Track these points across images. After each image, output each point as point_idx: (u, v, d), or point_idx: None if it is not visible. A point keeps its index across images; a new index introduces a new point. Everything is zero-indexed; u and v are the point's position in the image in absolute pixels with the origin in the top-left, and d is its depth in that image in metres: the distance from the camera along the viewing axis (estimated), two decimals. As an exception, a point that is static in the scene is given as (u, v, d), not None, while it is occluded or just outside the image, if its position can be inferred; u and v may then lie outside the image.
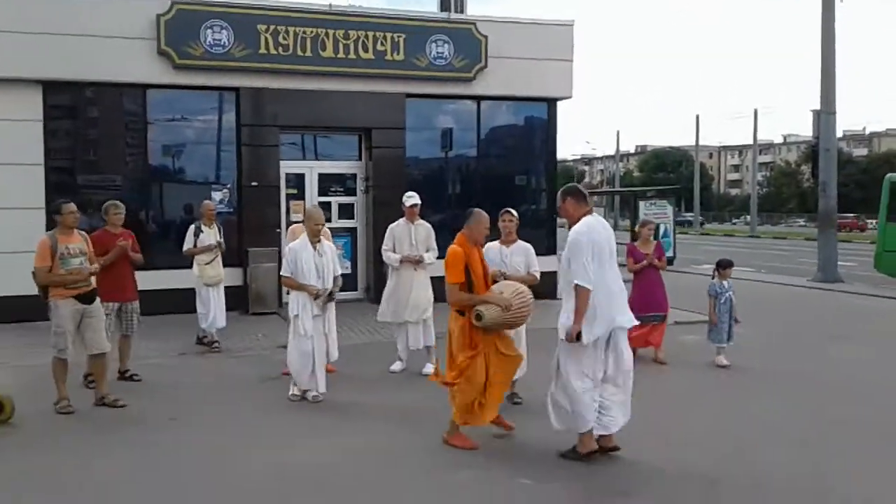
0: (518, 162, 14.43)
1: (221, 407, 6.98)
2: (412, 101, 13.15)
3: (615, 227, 28.60)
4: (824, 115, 18.62)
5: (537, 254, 7.23)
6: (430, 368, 8.17)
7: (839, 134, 67.49)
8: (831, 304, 14.69)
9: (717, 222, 74.99)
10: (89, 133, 12.30)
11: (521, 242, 7.08)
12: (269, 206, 12.53)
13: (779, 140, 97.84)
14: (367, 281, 13.30)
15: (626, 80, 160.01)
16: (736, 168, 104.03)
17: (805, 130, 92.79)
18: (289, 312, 7.13)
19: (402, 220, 8.42)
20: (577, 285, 5.14)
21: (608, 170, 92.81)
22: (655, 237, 23.12)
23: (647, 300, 8.95)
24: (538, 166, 14.36)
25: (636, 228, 8.99)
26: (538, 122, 14.12)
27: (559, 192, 5.61)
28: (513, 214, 7.06)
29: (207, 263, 9.23)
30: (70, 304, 6.61)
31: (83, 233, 6.98)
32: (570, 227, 5.45)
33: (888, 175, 19.18)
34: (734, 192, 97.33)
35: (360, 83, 12.65)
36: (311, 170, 13.16)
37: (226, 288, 9.56)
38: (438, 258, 7.76)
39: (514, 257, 6.94)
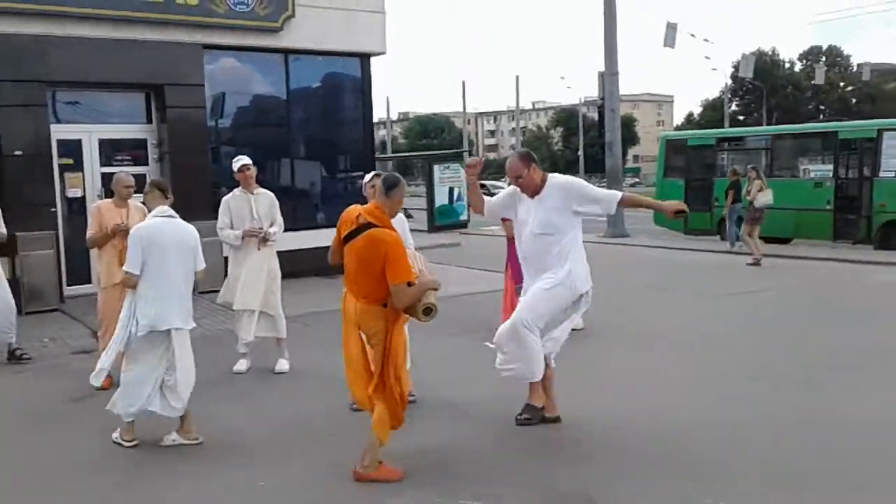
0: (331, 123, 13.22)
1: (23, 444, 5.29)
2: (212, 54, 11.43)
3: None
4: (608, 76, 19.43)
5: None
6: (284, 365, 7.00)
7: (578, 101, 73.03)
8: (635, 256, 15.37)
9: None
10: None
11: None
12: (39, 181, 10.23)
13: (528, 106, 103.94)
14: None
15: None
16: (492, 133, 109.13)
17: (552, 97, 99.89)
18: None
19: (237, 190, 7.06)
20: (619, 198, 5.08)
21: (375, 137, 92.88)
22: (450, 200, 23.12)
23: None
24: (353, 127, 13.25)
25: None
26: (351, 80, 12.97)
27: (519, 159, 5.05)
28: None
29: None
30: None
31: None
32: (528, 192, 5.06)
33: (662, 134, 20.58)
34: (492, 155, 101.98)
35: (146, 30, 10.70)
36: (90, 135, 10.96)
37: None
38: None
39: None
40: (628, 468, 4.52)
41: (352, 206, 4.53)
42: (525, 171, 4.99)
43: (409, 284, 4.27)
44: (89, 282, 10.63)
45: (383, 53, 12.85)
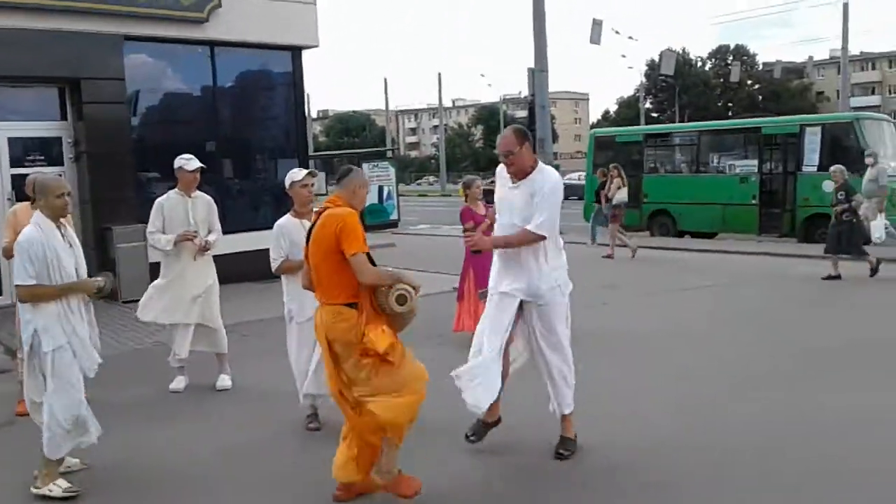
0: (262, 120, 12.65)
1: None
2: (132, 46, 10.68)
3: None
4: (538, 72, 19.30)
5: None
6: (226, 381, 6.51)
7: (498, 98, 73.12)
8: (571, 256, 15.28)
9: (402, 183, 77.59)
10: None
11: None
12: (-60, 183, 9.38)
13: (448, 104, 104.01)
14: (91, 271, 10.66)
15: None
16: (413, 131, 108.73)
17: (471, 95, 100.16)
18: (33, 344, 4.34)
19: (173, 192, 6.46)
20: (534, 233, 4.34)
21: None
22: (380, 199, 22.69)
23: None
24: (284, 125, 12.69)
25: (462, 189, 8.01)
26: (282, 75, 12.41)
27: (514, 133, 4.45)
28: (314, 175, 5.57)
29: None
30: None
31: None
32: (514, 173, 4.47)
33: (592, 130, 20.69)
34: (413, 153, 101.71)
35: (61, 20, 9.90)
36: (-2, 134, 10.13)
37: None
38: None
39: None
40: (626, 491, 4.24)
41: None
42: (518, 147, 4.38)
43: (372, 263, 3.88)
44: None
45: (315, 46, 12.34)
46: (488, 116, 79.59)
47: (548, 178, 4.44)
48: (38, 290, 4.27)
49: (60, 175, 10.50)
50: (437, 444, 4.73)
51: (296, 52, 12.27)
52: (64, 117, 10.64)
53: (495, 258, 4.70)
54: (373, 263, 3.90)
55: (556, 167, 32.22)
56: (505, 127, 25.43)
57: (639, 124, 45.77)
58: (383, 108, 65.36)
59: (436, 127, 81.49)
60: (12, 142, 10.22)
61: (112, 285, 4.57)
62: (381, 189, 22.19)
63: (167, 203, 6.40)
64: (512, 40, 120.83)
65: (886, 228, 12.12)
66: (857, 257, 11.01)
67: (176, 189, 6.44)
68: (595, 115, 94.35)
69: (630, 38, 72.35)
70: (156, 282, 6.53)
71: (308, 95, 71.16)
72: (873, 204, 12.50)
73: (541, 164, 4.55)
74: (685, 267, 13.04)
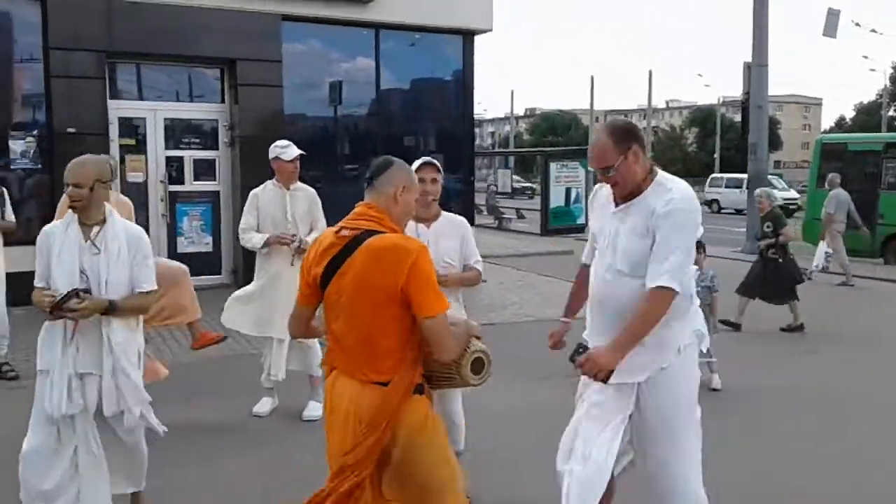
0: (427, 111, 11.75)
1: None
2: (290, 27, 10.09)
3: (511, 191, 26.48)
4: (756, 67, 16.86)
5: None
6: (315, 411, 5.48)
7: (716, 100, 68.42)
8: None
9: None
10: None
11: (448, 216, 4.09)
12: (94, 162, 9.27)
13: (661, 105, 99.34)
14: (234, 261, 10.30)
15: (515, 41, 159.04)
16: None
17: (687, 96, 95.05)
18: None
19: (271, 184, 5.60)
20: (662, 288, 2.73)
21: (499, 132, 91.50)
22: (567, 202, 21.23)
23: None
24: (452, 117, 11.69)
25: None
26: (452, 61, 11.38)
27: (607, 136, 2.85)
28: (437, 169, 3.96)
29: None
30: None
31: None
32: (620, 195, 2.91)
33: (819, 137, 17.87)
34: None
35: (217, -3, 9.54)
36: (155, 113, 9.94)
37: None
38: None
39: (442, 242, 3.97)
40: None
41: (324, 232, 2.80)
42: (619, 158, 2.82)
43: None
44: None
45: (489, 31, 11.17)
46: (703, 119, 74.71)
47: (668, 194, 2.81)
48: (35, 295, 3.44)
49: (214, 160, 10.29)
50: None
51: (467, 36, 11.19)
52: (222, 100, 10.31)
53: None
54: None
55: (779, 176, 28.53)
56: (722, 131, 22.61)
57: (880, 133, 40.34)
58: (590, 107, 63.33)
59: (645, 128, 77.87)
60: (169, 123, 10.02)
61: (72, 302, 3.26)
62: (568, 191, 20.84)
63: (263, 196, 5.56)
64: (734, 37, 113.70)
65: (827, 257, 11.12)
66: (780, 302, 8.55)
67: (273, 180, 5.57)
68: (828, 122, 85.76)
69: (873, 31, 63.68)
70: (248, 286, 5.71)
71: (512, 92, 71.14)
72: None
73: (659, 172, 2.91)
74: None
